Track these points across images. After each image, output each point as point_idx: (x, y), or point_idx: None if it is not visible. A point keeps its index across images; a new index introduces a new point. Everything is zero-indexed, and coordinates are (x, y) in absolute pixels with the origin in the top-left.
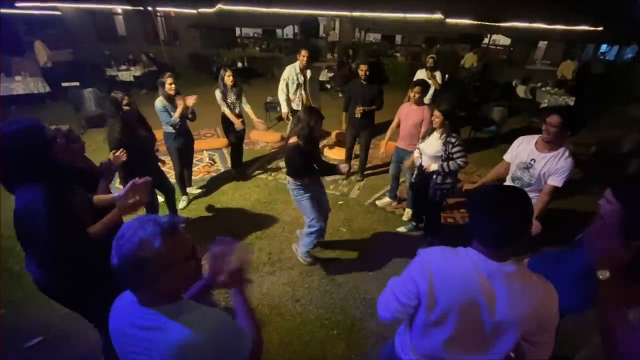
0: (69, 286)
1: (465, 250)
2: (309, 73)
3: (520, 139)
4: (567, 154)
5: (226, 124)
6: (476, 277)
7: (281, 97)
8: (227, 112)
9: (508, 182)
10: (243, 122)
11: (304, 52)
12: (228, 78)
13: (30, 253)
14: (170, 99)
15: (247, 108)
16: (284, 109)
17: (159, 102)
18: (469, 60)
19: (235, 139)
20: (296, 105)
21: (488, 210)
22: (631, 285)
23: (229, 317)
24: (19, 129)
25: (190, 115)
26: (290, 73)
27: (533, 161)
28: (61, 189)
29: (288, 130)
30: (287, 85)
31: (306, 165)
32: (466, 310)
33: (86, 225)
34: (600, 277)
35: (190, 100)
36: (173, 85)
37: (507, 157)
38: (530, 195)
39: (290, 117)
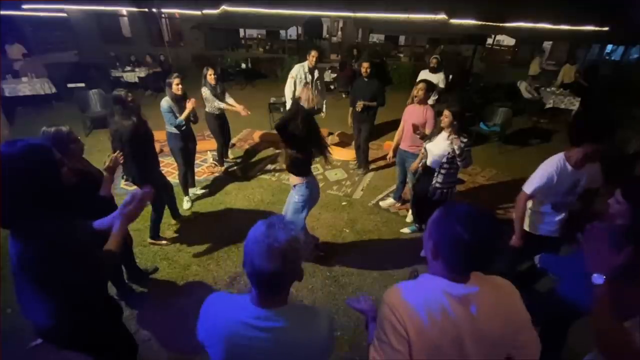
0: (78, 327)
1: (429, 279)
2: (316, 73)
3: (544, 168)
4: (595, 165)
5: (211, 123)
6: (452, 307)
7: (288, 93)
8: (223, 105)
9: (537, 219)
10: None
11: (313, 53)
12: (210, 77)
13: (31, 296)
14: (177, 100)
15: (230, 100)
16: (289, 105)
17: (165, 102)
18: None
19: (222, 136)
20: (304, 103)
21: (471, 238)
22: (625, 290)
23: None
24: (25, 150)
25: (192, 118)
26: (299, 71)
27: (578, 181)
28: (67, 222)
29: None
30: (294, 83)
31: (306, 157)
32: (453, 345)
33: (94, 255)
34: (596, 281)
35: (191, 104)
36: (180, 86)
37: (530, 190)
38: (557, 225)
39: None
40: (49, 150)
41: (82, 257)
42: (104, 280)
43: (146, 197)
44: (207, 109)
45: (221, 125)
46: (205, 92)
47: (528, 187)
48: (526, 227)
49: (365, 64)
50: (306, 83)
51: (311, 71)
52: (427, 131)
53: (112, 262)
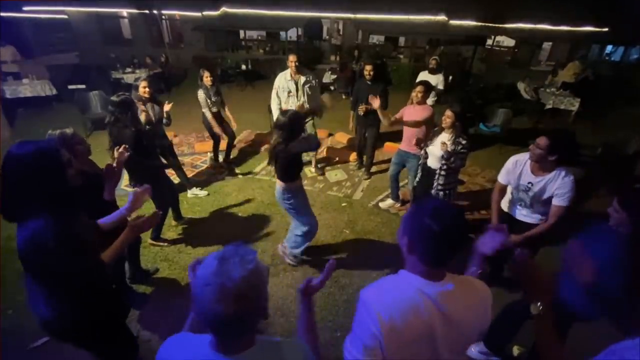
0: (81, 321)
1: (403, 277)
2: (302, 79)
3: (513, 159)
4: (563, 173)
5: (207, 123)
6: (425, 307)
7: (272, 105)
8: (209, 116)
9: (507, 203)
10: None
11: (291, 57)
12: (207, 79)
13: (37, 289)
14: (143, 102)
15: (227, 111)
16: (275, 118)
17: None
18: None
19: (217, 136)
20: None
21: (439, 228)
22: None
23: (305, 345)
24: (34, 151)
25: (166, 120)
26: (280, 81)
27: (530, 184)
28: (69, 217)
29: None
30: (277, 94)
31: (296, 163)
32: (425, 340)
33: (95, 252)
34: (534, 312)
35: (167, 107)
36: (147, 89)
37: (502, 179)
38: (534, 216)
39: None
40: (57, 152)
41: (80, 252)
42: (104, 276)
43: (144, 193)
44: (203, 110)
45: (221, 126)
46: (200, 95)
47: (499, 176)
48: (506, 208)
49: (368, 67)
50: (289, 92)
51: (294, 77)
52: (421, 121)
53: (100, 271)
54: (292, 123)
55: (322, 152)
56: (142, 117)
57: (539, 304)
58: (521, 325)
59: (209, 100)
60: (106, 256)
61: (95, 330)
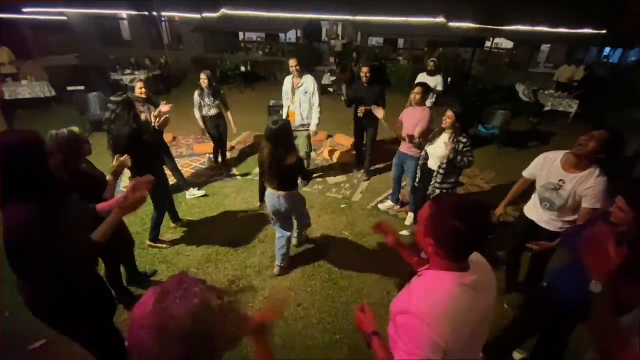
0: (67, 307)
1: (438, 277)
2: (299, 82)
3: (543, 156)
4: (598, 172)
5: (206, 125)
6: (472, 298)
7: (285, 103)
8: (197, 115)
9: (534, 204)
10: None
11: (292, 62)
12: (202, 81)
13: (23, 275)
14: (141, 104)
15: (229, 114)
16: (285, 115)
17: None
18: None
19: (215, 136)
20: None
21: (466, 227)
22: (622, 289)
23: None
24: (18, 141)
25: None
26: (285, 84)
27: (562, 182)
28: (55, 205)
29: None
30: (286, 97)
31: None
32: (474, 330)
33: (86, 233)
34: (594, 290)
35: (165, 108)
36: (143, 90)
37: (527, 174)
38: (557, 223)
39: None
40: (39, 142)
41: (59, 237)
42: (88, 263)
43: (147, 184)
44: (195, 114)
45: (214, 128)
46: (195, 96)
47: (526, 170)
48: (529, 215)
49: (365, 69)
50: (287, 96)
51: (295, 81)
52: (419, 130)
53: (92, 251)
54: (282, 133)
55: (323, 152)
56: (166, 108)
57: (600, 282)
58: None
59: (201, 102)
60: (96, 235)
61: (80, 313)
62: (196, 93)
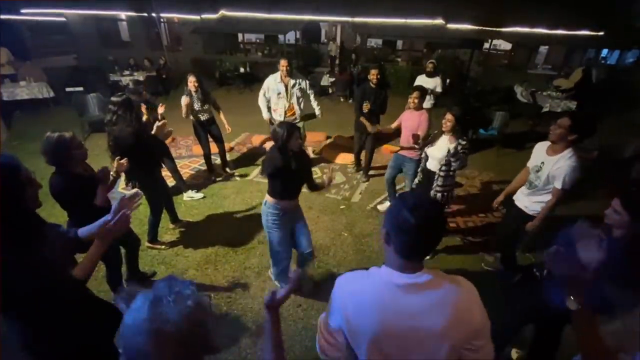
0: (61, 344)
1: (377, 270)
2: (291, 82)
3: (539, 144)
4: (570, 154)
5: (194, 130)
6: (391, 297)
7: (260, 104)
8: (183, 115)
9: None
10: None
11: (282, 62)
12: (192, 84)
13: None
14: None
15: (221, 115)
16: (265, 115)
17: None
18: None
19: (206, 146)
20: (278, 116)
21: (425, 218)
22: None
23: None
24: None
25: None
26: (270, 83)
27: (542, 164)
28: (33, 241)
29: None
30: (264, 94)
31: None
32: (391, 336)
33: (67, 268)
34: (570, 307)
35: (161, 109)
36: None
37: (529, 163)
38: (540, 198)
39: (274, 123)
40: (14, 170)
41: (41, 280)
42: (79, 292)
43: (132, 202)
44: (190, 116)
45: (203, 133)
46: (182, 101)
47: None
48: (519, 203)
49: (374, 71)
50: (279, 94)
51: (284, 80)
52: (420, 133)
53: (73, 289)
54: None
55: (322, 153)
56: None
57: (576, 299)
58: (520, 329)
59: (194, 105)
60: (78, 272)
61: (78, 351)
62: (183, 98)
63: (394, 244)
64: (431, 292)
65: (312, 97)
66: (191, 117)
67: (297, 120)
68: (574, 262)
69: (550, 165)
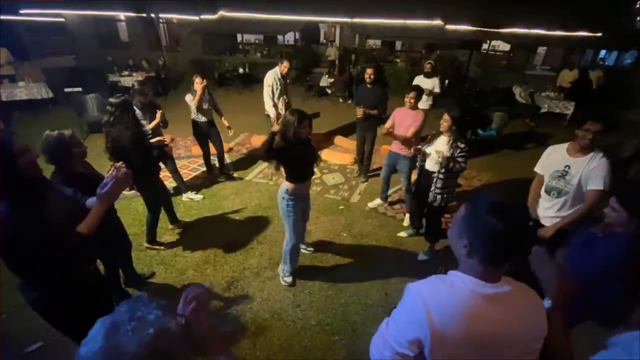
0: (60, 302)
1: (456, 277)
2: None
3: (550, 149)
4: (600, 153)
5: (194, 130)
6: (478, 307)
7: (268, 102)
8: (193, 115)
9: (542, 195)
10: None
11: (285, 63)
12: (196, 84)
13: (18, 273)
14: (143, 106)
15: (223, 119)
16: (273, 114)
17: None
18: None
19: (205, 145)
20: (281, 110)
21: (504, 225)
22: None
23: None
24: None
25: (161, 123)
26: (274, 78)
27: (568, 167)
28: (31, 202)
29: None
30: (273, 90)
31: (276, 155)
32: (477, 345)
33: (74, 224)
34: (546, 305)
35: (159, 115)
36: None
37: (538, 169)
38: (561, 214)
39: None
40: (8, 140)
41: (44, 231)
42: (82, 258)
43: (124, 176)
44: (191, 116)
45: (203, 134)
46: (188, 99)
47: (537, 165)
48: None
49: (370, 70)
50: (281, 90)
51: (284, 78)
52: (413, 130)
53: (81, 245)
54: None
55: (321, 154)
56: (152, 124)
57: (551, 298)
58: None
59: (193, 108)
60: (81, 227)
61: (77, 310)
62: (188, 97)
63: (479, 254)
64: (512, 302)
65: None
66: (192, 117)
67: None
68: (554, 264)
69: (580, 167)
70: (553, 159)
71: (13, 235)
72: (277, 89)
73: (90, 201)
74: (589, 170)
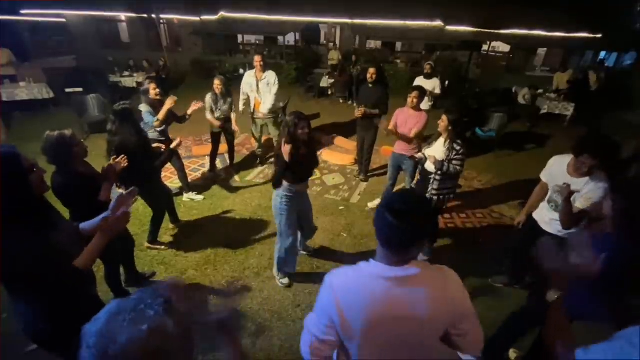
0: (60, 329)
1: (367, 264)
2: (263, 76)
3: (553, 159)
4: (597, 179)
5: (213, 130)
6: (381, 289)
7: (250, 95)
8: (209, 117)
9: (542, 204)
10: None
11: (257, 57)
12: (217, 87)
13: (16, 298)
14: (154, 106)
15: (232, 115)
16: (240, 106)
17: (144, 107)
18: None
19: (216, 144)
20: (252, 109)
21: (399, 215)
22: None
23: None
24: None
25: (179, 118)
26: (247, 78)
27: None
28: (40, 225)
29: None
30: (243, 90)
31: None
32: (382, 327)
33: (72, 258)
34: (550, 299)
35: (170, 101)
36: (157, 90)
37: (543, 176)
38: (558, 225)
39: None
40: (16, 158)
41: (48, 262)
42: (81, 282)
43: (129, 198)
44: (206, 116)
45: (218, 131)
46: (207, 99)
47: (542, 172)
48: (535, 215)
49: (372, 70)
50: (251, 88)
51: (257, 75)
52: (416, 131)
53: (77, 279)
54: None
55: (321, 154)
56: (162, 112)
57: (556, 291)
58: (526, 332)
59: (213, 107)
60: (79, 263)
61: (71, 339)
62: (208, 96)
63: (380, 242)
64: (419, 283)
65: (274, 90)
66: (208, 116)
67: (265, 115)
68: (561, 257)
69: (576, 187)
70: (556, 172)
71: (24, 259)
72: (249, 86)
73: (84, 225)
74: (582, 193)
